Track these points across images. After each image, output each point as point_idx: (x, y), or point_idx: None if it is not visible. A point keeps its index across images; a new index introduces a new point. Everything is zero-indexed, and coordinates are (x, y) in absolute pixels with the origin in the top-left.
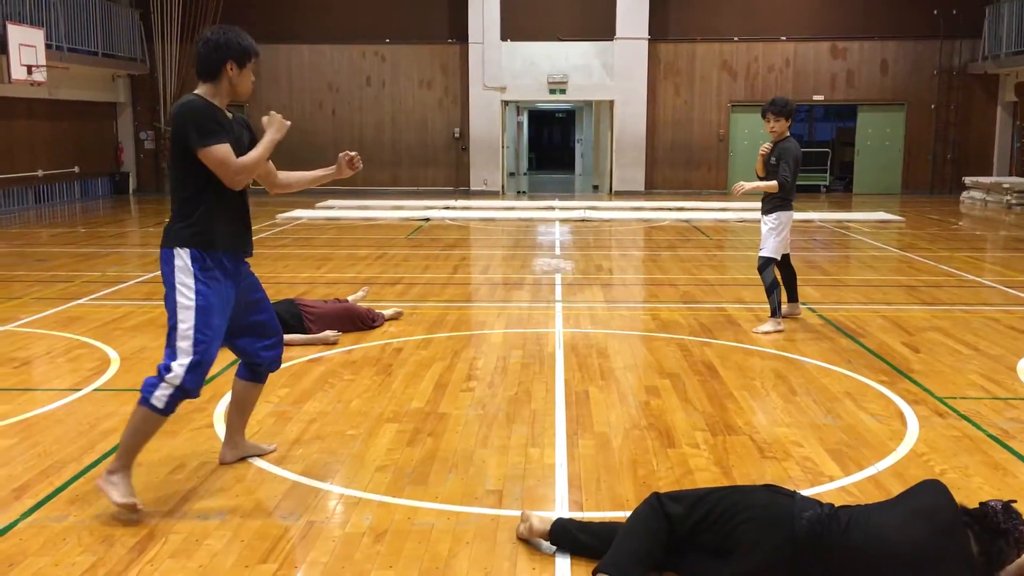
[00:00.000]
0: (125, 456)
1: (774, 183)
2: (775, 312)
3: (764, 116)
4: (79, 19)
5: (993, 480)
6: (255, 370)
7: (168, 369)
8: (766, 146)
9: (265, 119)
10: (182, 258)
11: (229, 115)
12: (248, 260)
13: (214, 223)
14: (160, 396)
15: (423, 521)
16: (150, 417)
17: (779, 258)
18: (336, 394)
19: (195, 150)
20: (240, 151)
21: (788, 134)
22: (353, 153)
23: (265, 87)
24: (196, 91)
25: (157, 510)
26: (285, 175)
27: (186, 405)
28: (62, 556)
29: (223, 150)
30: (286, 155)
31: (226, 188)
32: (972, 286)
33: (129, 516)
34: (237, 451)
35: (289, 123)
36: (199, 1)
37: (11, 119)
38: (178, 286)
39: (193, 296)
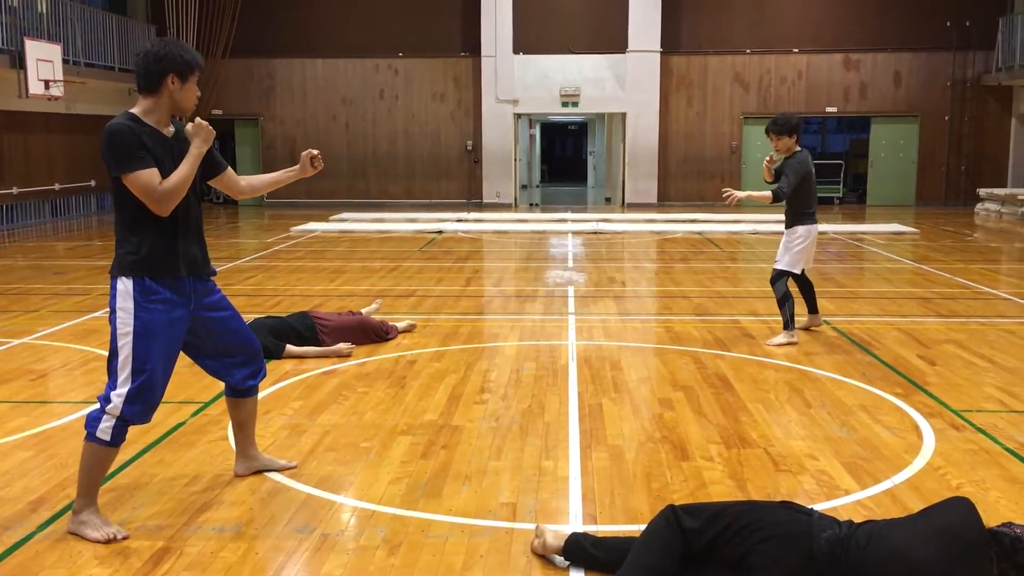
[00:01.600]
0: (85, 494)
1: (767, 193)
2: (788, 325)
3: (767, 135)
4: (96, 34)
5: (1011, 494)
6: (232, 388)
7: (108, 400)
8: (772, 156)
9: (189, 127)
10: (124, 284)
11: (170, 130)
12: (214, 279)
13: (153, 249)
14: (104, 429)
15: (437, 534)
16: (100, 451)
17: (795, 272)
18: (350, 406)
19: (117, 178)
20: (174, 165)
21: (798, 148)
22: (316, 152)
23: (280, 101)
24: (132, 108)
25: (172, 523)
26: (247, 179)
27: (201, 418)
28: (78, 568)
29: (144, 176)
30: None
31: (148, 223)
32: (987, 298)
33: (116, 541)
34: (250, 464)
35: (215, 132)
36: (214, 16)
37: (28, 133)
38: (118, 311)
39: (131, 322)
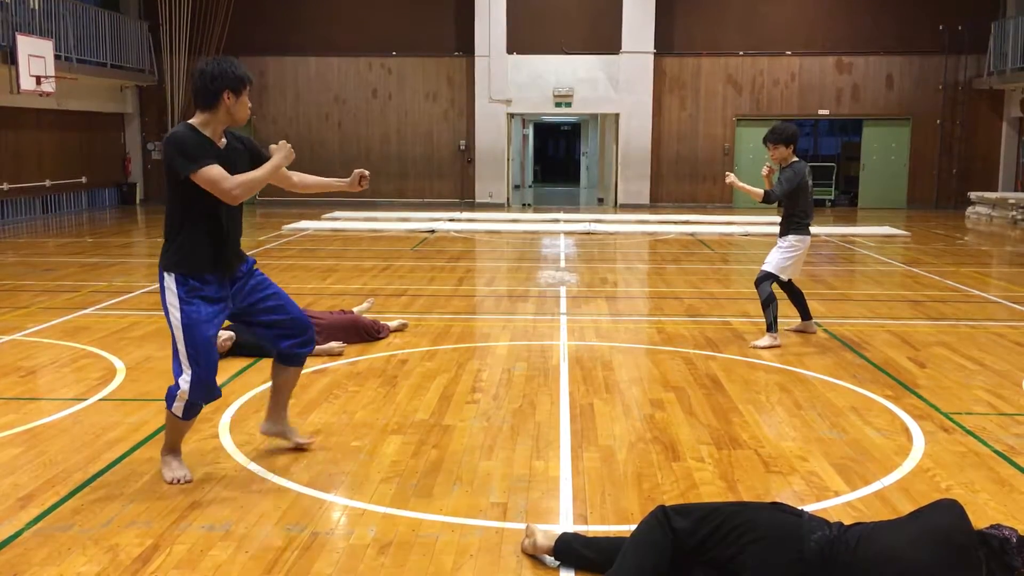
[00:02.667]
0: (168, 444)
1: (760, 191)
2: (771, 327)
3: (765, 144)
4: (88, 30)
5: (999, 496)
6: (280, 354)
7: (177, 386)
8: (770, 166)
9: (274, 146)
10: (169, 280)
11: (223, 141)
12: (254, 266)
13: (195, 250)
14: (177, 407)
15: (427, 533)
16: (176, 421)
17: (781, 277)
18: (341, 405)
19: (185, 176)
20: (235, 173)
21: (795, 159)
22: (366, 172)
23: (272, 99)
24: (190, 120)
25: (161, 521)
26: (300, 176)
27: None
28: (67, 566)
29: (213, 171)
30: (293, 165)
31: (209, 215)
32: (978, 301)
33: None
34: (274, 428)
35: (294, 155)
36: (208, 13)
37: (19, 129)
38: (168, 307)
39: (179, 315)
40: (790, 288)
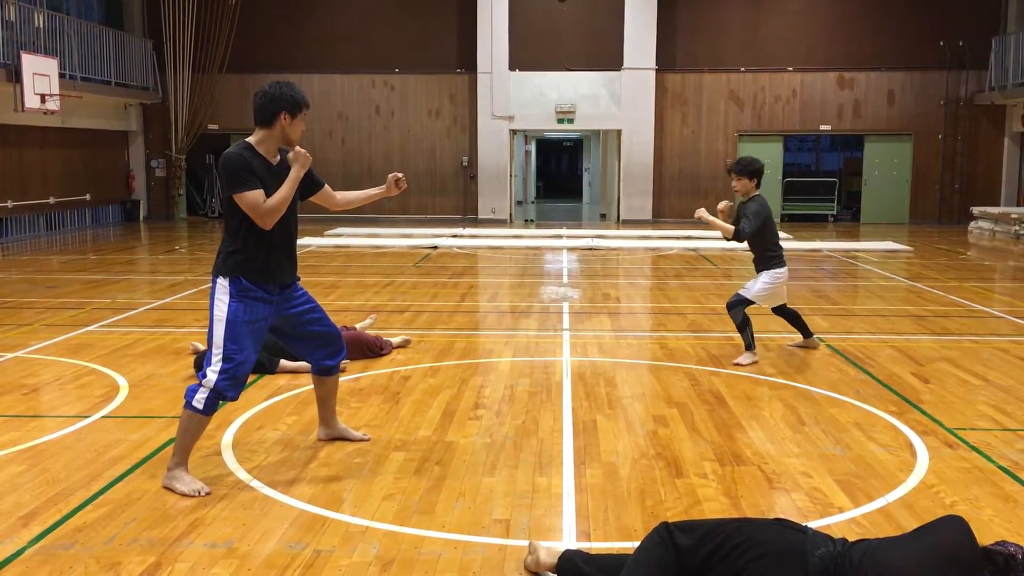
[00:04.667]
0: (180, 454)
1: (730, 227)
2: (750, 346)
3: (729, 174)
4: (92, 49)
5: (1004, 512)
6: (316, 367)
7: (204, 375)
8: (726, 204)
9: (290, 155)
10: (223, 283)
11: (277, 158)
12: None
13: (249, 256)
14: (200, 399)
15: (430, 551)
16: (194, 418)
17: (755, 303)
18: (343, 422)
19: (229, 196)
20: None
21: (756, 193)
22: (400, 175)
23: None
24: (248, 138)
25: (164, 538)
26: (343, 194)
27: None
28: None
29: (252, 196)
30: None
31: (252, 225)
32: (981, 316)
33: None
34: (329, 432)
35: (311, 157)
36: (211, 31)
37: (24, 147)
38: (216, 302)
39: (226, 311)
40: (784, 311)
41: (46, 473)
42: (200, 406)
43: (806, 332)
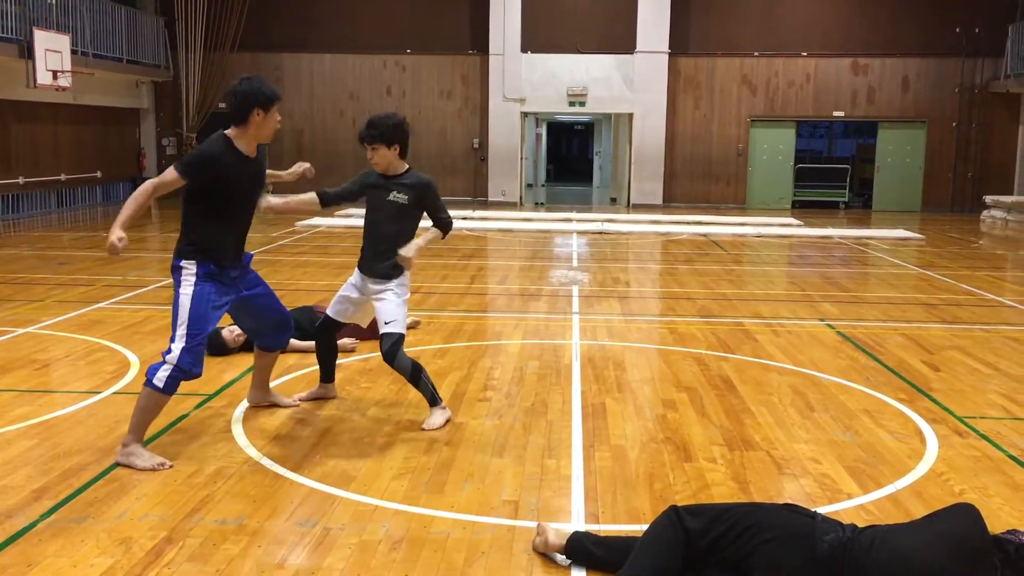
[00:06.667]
0: (135, 431)
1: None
2: (435, 400)
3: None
4: (105, 26)
5: (1014, 501)
6: (262, 346)
7: (169, 351)
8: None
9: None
10: (188, 265)
11: (255, 154)
12: (252, 266)
13: (212, 242)
14: (161, 377)
15: (439, 530)
16: (153, 396)
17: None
18: (353, 402)
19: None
20: (248, 183)
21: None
22: (308, 166)
23: (287, 96)
24: (228, 131)
25: (174, 514)
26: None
27: (205, 410)
28: (80, 558)
29: (170, 175)
30: (309, 161)
31: (221, 214)
32: (992, 305)
33: (162, 470)
34: (260, 397)
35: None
36: (224, 9)
37: (35, 123)
38: (181, 282)
39: (191, 291)
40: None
41: (58, 448)
42: (161, 385)
43: (330, 375)
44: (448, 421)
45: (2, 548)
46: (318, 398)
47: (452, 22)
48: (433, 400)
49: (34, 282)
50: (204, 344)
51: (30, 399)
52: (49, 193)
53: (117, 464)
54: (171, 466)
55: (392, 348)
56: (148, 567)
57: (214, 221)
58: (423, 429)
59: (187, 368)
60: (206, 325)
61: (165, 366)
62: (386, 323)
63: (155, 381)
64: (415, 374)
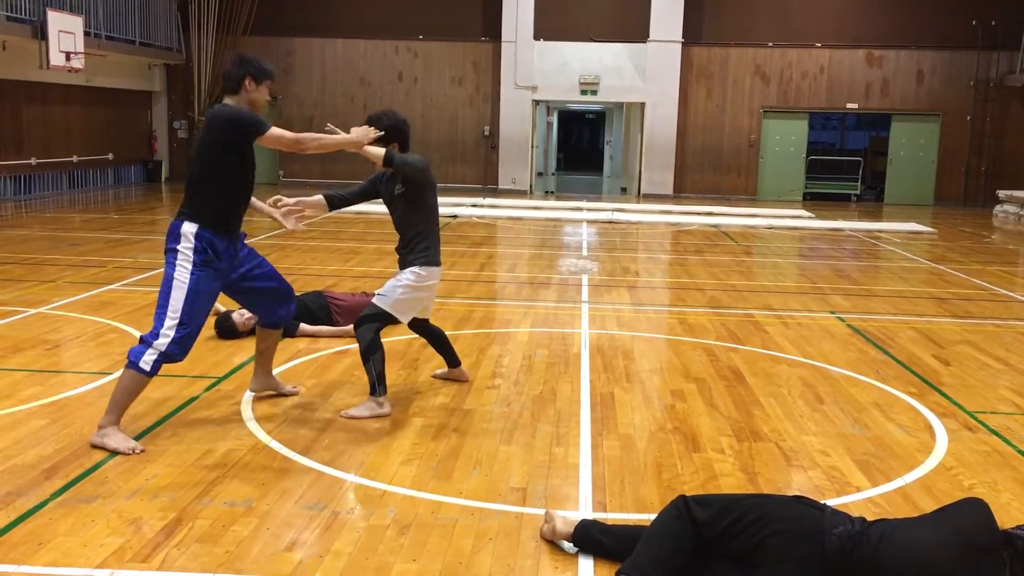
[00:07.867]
0: (114, 412)
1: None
2: (374, 388)
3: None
4: (118, 7)
5: (1023, 496)
6: (264, 322)
7: (155, 336)
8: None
9: (356, 129)
10: (189, 227)
11: None
12: (247, 242)
13: (218, 209)
14: (147, 360)
15: (447, 516)
16: (136, 378)
17: (400, 319)
18: (362, 387)
19: (259, 136)
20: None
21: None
22: (292, 204)
23: (298, 80)
24: (225, 101)
25: (184, 495)
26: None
27: (215, 393)
28: (90, 537)
29: (277, 129)
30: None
31: (243, 177)
32: (1004, 300)
33: (134, 453)
34: (262, 384)
35: (364, 143)
36: None
37: (48, 105)
38: (179, 261)
39: (189, 277)
40: (426, 331)
41: (69, 428)
42: (147, 368)
43: (454, 360)
44: (378, 417)
45: (13, 527)
46: (454, 379)
47: (465, 9)
48: (373, 389)
49: (46, 263)
50: (194, 334)
51: (41, 379)
52: (61, 174)
53: (91, 445)
54: (143, 450)
55: (364, 316)
56: (157, 548)
57: (234, 187)
58: (341, 415)
59: (174, 355)
60: (200, 319)
61: (151, 351)
62: (378, 293)
63: (142, 364)
64: (367, 353)
